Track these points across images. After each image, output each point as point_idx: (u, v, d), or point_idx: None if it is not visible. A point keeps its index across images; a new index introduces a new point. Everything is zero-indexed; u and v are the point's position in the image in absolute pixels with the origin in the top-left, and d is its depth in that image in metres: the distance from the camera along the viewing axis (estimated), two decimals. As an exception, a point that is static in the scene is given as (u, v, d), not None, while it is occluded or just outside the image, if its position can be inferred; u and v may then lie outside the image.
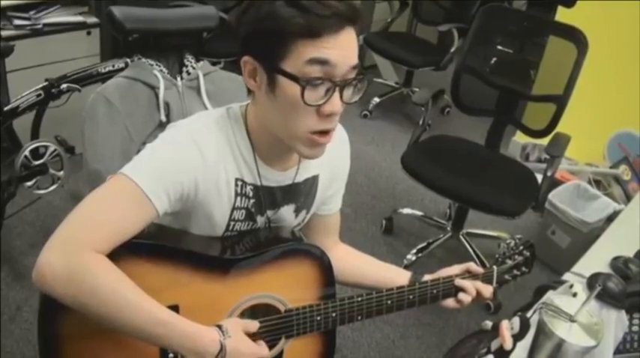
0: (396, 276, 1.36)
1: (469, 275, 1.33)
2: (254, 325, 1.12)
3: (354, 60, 1.02)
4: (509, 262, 1.39)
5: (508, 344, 1.14)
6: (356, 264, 1.40)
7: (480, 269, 1.34)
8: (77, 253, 0.95)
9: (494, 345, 1.16)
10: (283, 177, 1.19)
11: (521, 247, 1.41)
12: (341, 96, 1.02)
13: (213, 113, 1.15)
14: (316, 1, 0.97)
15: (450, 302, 1.32)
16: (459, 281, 1.30)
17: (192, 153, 1.06)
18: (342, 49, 0.99)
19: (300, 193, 1.24)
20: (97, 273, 0.96)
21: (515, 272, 1.40)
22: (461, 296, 1.30)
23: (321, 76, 0.99)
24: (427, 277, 1.33)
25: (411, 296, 1.26)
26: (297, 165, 1.20)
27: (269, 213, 1.21)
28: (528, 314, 1.24)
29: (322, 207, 1.34)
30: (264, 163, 1.15)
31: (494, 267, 1.37)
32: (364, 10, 1.10)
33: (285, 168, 1.19)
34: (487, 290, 1.32)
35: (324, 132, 1.05)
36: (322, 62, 0.98)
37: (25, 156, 2.44)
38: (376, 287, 1.25)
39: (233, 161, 1.12)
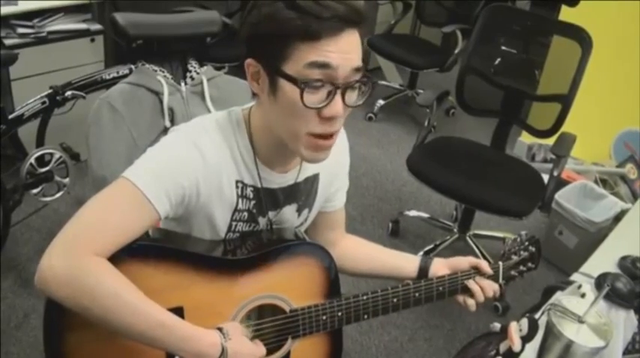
0: (405, 262, 1.37)
1: (474, 271, 1.32)
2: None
3: (356, 62, 1.00)
4: (515, 258, 1.39)
5: (517, 345, 1.14)
6: (366, 252, 1.41)
7: (489, 270, 1.33)
8: (78, 256, 0.95)
9: (502, 347, 1.16)
10: (284, 178, 1.19)
11: (526, 243, 1.41)
12: (343, 100, 1.01)
13: (214, 116, 1.15)
14: (316, 4, 0.96)
15: (459, 298, 1.32)
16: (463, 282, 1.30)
17: (193, 155, 1.06)
18: (342, 51, 0.98)
19: (301, 193, 1.24)
20: (98, 276, 0.96)
21: (522, 268, 1.40)
22: (467, 300, 1.31)
23: (322, 79, 0.98)
24: (436, 261, 1.33)
25: (416, 294, 1.26)
26: (299, 166, 1.20)
27: (271, 213, 1.21)
28: (537, 316, 1.24)
29: (326, 205, 1.34)
30: (265, 166, 1.15)
31: (500, 263, 1.36)
32: (368, 12, 1.08)
33: (286, 170, 1.19)
34: (491, 286, 1.31)
35: (326, 136, 1.04)
36: (322, 65, 0.97)
37: (31, 164, 2.44)
38: (386, 274, 1.25)
39: (233, 163, 1.12)
